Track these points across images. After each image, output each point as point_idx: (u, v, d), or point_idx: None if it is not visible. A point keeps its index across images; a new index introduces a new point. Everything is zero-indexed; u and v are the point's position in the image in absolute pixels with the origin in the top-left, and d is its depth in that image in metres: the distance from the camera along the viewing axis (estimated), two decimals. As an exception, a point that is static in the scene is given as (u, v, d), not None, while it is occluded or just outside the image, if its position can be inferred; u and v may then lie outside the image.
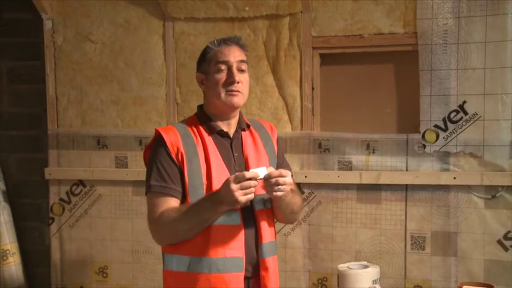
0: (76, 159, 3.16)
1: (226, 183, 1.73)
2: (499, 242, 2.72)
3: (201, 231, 1.83)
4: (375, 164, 2.85)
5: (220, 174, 1.85)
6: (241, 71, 1.92)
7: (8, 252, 3.17)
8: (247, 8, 2.90)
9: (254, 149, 1.98)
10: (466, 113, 2.73)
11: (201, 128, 1.94)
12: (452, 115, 2.75)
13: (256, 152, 1.97)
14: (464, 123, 2.74)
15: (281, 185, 1.77)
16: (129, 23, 3.08)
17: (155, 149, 1.91)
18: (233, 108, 1.92)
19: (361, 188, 2.87)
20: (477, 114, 2.72)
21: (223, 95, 1.89)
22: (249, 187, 1.72)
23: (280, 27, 2.92)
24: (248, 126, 2.02)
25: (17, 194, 3.29)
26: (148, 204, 1.91)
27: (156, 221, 1.86)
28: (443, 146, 2.77)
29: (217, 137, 1.94)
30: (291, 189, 1.92)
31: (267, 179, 1.77)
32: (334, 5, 2.85)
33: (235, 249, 1.85)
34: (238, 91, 1.90)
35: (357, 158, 2.87)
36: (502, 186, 2.70)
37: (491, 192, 2.73)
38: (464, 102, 2.73)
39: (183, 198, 1.88)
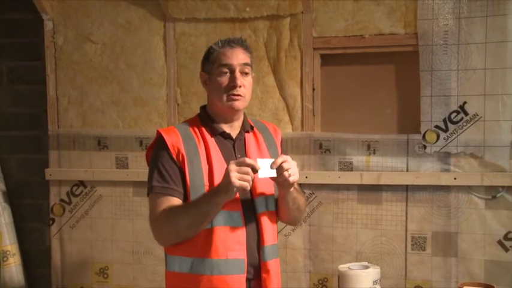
0: (76, 160, 3.16)
1: (227, 168, 1.73)
2: (500, 242, 2.72)
3: (201, 228, 1.81)
4: (376, 164, 2.85)
5: (222, 176, 1.84)
6: (244, 74, 1.91)
7: (8, 253, 3.17)
8: (248, 9, 2.90)
9: (257, 151, 1.97)
10: (466, 114, 2.73)
11: (203, 129, 1.93)
12: (452, 116, 2.75)
13: (260, 154, 1.96)
14: (464, 124, 2.74)
15: (288, 169, 1.77)
16: (130, 23, 3.08)
17: (156, 150, 1.91)
18: (234, 111, 1.92)
19: (362, 188, 2.87)
20: (478, 115, 2.72)
21: (224, 98, 1.89)
22: (247, 173, 1.71)
23: (281, 28, 2.92)
24: (252, 128, 2.01)
25: (18, 194, 3.28)
26: (150, 204, 1.91)
27: (157, 220, 1.86)
28: (443, 147, 2.77)
29: (220, 138, 1.93)
30: (295, 188, 1.93)
31: (273, 168, 1.76)
32: (335, 6, 2.85)
33: (237, 251, 1.84)
34: (240, 95, 1.89)
35: (358, 159, 2.87)
36: (503, 187, 2.71)
37: (492, 193, 2.73)
38: (465, 102, 2.73)
39: (185, 200, 1.87)
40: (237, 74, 1.88)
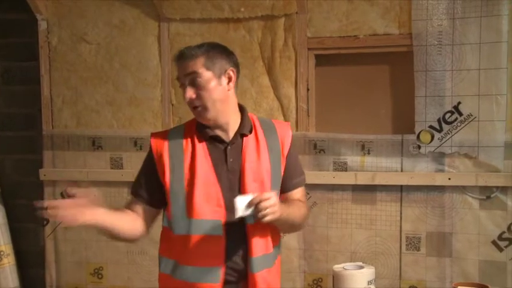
0: (71, 160, 3.15)
1: None
2: (494, 242, 2.73)
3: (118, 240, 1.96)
4: (370, 164, 2.85)
5: (206, 181, 1.81)
6: (195, 83, 1.80)
7: (2, 253, 3.16)
8: (242, 9, 2.90)
9: (256, 155, 1.87)
10: (460, 114, 2.74)
11: (195, 133, 1.89)
12: (447, 116, 2.76)
13: (257, 159, 1.87)
14: (459, 124, 2.74)
15: (264, 209, 1.66)
16: (125, 23, 3.07)
17: (147, 154, 1.93)
18: (206, 122, 1.85)
19: (356, 188, 2.87)
20: (472, 115, 2.72)
21: (191, 111, 1.87)
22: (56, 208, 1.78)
23: (275, 28, 2.92)
24: (251, 131, 1.90)
25: (12, 195, 3.28)
26: None
27: None
28: (438, 147, 2.77)
29: (212, 142, 1.87)
30: (299, 200, 1.90)
31: (251, 205, 1.67)
32: (329, 6, 2.85)
33: (213, 260, 1.81)
34: (197, 107, 1.82)
35: (352, 159, 2.87)
36: (497, 187, 2.71)
37: (486, 193, 2.74)
38: (459, 103, 2.74)
39: (166, 204, 1.87)
40: (187, 87, 1.81)
